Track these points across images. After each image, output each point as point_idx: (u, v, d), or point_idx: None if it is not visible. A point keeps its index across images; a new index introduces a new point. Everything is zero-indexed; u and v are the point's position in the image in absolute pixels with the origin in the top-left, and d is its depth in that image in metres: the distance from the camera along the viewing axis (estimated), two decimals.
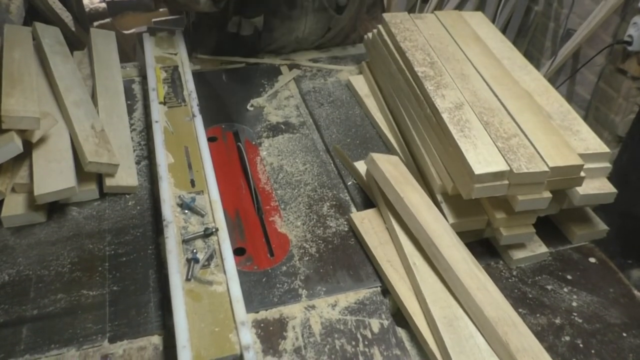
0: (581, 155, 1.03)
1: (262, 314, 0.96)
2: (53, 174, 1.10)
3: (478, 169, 0.97)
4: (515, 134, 1.06)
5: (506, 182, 0.99)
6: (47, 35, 1.45)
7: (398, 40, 1.34)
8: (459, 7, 2.99)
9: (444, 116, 1.10)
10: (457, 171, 1.05)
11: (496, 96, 1.16)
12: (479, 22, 1.46)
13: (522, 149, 1.02)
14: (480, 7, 2.90)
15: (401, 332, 0.95)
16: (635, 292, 1.04)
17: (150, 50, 1.52)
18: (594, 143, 1.09)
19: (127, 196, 1.18)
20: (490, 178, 0.98)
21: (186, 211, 1.05)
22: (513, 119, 1.10)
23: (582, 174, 1.02)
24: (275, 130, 1.40)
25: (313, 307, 0.98)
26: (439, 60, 1.27)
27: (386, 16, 1.44)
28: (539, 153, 1.02)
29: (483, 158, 1.00)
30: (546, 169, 0.98)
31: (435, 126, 1.14)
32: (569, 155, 1.02)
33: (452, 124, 1.08)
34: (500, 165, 0.99)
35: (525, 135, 1.06)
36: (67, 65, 1.37)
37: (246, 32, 1.61)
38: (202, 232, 1.00)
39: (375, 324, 0.95)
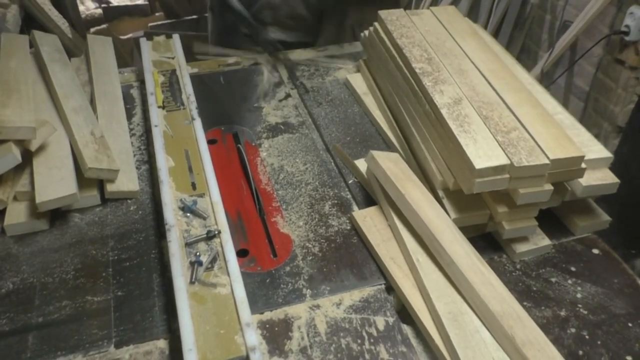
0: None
1: (267, 315, 0.96)
2: (54, 181, 1.10)
3: (478, 164, 0.97)
4: (515, 127, 1.06)
5: (507, 175, 0.99)
6: (46, 43, 1.45)
7: (395, 37, 1.33)
8: (455, 2, 2.99)
9: (443, 112, 1.10)
10: (457, 166, 1.05)
11: (494, 90, 1.16)
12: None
13: (522, 142, 1.02)
14: (476, 0, 2.90)
15: (406, 329, 0.95)
16: None
17: (148, 54, 1.52)
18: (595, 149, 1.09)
19: (129, 201, 1.18)
20: (491, 172, 0.98)
21: (188, 214, 1.05)
22: (512, 113, 1.10)
23: (583, 165, 1.02)
24: (274, 130, 1.40)
25: (318, 306, 0.98)
26: (436, 56, 1.27)
27: (382, 13, 1.44)
28: (539, 146, 1.01)
29: (483, 152, 1.00)
30: (547, 161, 0.98)
31: (434, 122, 1.14)
32: (569, 147, 1.02)
33: (451, 119, 1.08)
34: (500, 159, 0.99)
35: (525, 129, 1.06)
36: (66, 73, 1.37)
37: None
38: (205, 235, 1.00)
39: (380, 321, 0.95)
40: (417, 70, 1.22)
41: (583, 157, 1.01)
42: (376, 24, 1.47)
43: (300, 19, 1.88)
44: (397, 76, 1.32)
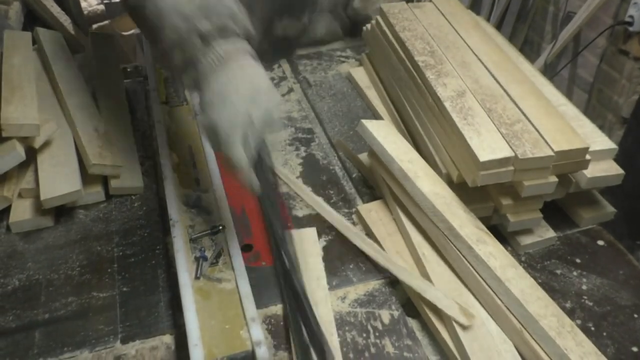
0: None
1: (272, 309, 0.96)
2: (58, 178, 1.11)
3: (483, 156, 0.97)
4: (519, 119, 1.06)
5: (512, 168, 0.98)
6: (49, 39, 1.45)
7: (397, 31, 1.33)
8: None
9: (447, 104, 1.09)
10: (461, 159, 1.05)
11: (498, 82, 1.16)
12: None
13: (527, 134, 1.02)
14: None
15: (412, 322, 0.95)
16: None
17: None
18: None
19: (133, 197, 1.19)
20: (496, 165, 0.98)
21: (192, 210, 1.05)
22: (516, 105, 1.09)
23: (588, 156, 1.01)
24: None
25: None
26: (439, 48, 1.27)
27: (384, 6, 1.43)
28: (543, 138, 1.01)
29: (487, 145, 1.00)
30: (551, 153, 0.98)
31: (437, 115, 1.13)
32: (573, 139, 1.01)
33: (454, 112, 1.07)
34: (505, 152, 0.98)
35: (529, 121, 1.05)
36: (70, 70, 1.38)
37: (292, 32, 1.57)
38: (209, 230, 1.00)
39: (385, 315, 0.95)
40: (420, 64, 1.21)
41: (587, 148, 1.00)
42: (378, 17, 1.46)
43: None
44: (400, 69, 1.31)
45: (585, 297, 0.99)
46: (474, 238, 0.94)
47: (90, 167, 1.12)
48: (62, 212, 1.14)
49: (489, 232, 0.97)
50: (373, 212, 1.12)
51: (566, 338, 0.82)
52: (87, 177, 1.15)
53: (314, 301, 0.90)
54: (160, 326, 0.94)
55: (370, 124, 1.14)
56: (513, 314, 0.87)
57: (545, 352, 0.83)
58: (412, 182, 1.02)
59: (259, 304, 0.95)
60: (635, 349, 0.90)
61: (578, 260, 1.06)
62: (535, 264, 1.05)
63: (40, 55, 1.41)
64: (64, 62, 1.39)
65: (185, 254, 0.96)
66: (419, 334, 0.93)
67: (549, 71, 2.52)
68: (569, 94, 2.49)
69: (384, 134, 1.12)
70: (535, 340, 0.84)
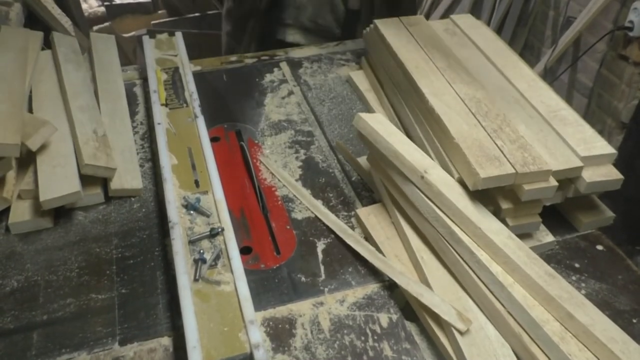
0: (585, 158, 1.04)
1: (271, 312, 0.96)
2: (58, 179, 1.11)
3: (483, 173, 0.97)
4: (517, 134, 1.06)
5: (513, 171, 0.99)
6: (63, 44, 1.48)
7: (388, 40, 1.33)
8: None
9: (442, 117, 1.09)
10: (462, 162, 1.05)
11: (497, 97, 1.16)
12: (471, 25, 1.46)
13: (527, 147, 1.02)
14: None
15: (410, 326, 0.95)
16: None
17: (151, 52, 1.52)
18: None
19: (132, 199, 1.19)
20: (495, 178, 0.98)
21: (191, 212, 1.05)
22: (509, 124, 1.10)
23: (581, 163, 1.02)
24: (277, 128, 1.40)
25: (321, 303, 0.98)
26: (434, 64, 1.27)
27: (378, 22, 1.45)
28: (541, 154, 1.01)
29: (486, 159, 1.00)
30: (550, 167, 0.98)
31: (437, 119, 1.13)
32: (570, 159, 1.01)
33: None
34: (505, 167, 0.98)
35: (525, 138, 1.06)
36: (79, 73, 1.39)
37: (354, 6, 1.57)
38: (208, 233, 1.00)
39: (384, 318, 0.95)
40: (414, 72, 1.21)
41: (582, 167, 1.01)
42: (375, 21, 1.47)
43: (323, 23, 1.84)
44: (399, 74, 1.31)
45: None
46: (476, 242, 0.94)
47: (83, 167, 1.12)
48: (61, 213, 1.14)
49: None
50: (372, 215, 1.12)
51: (569, 343, 0.82)
52: (86, 179, 1.15)
53: None
54: (159, 328, 0.94)
55: (369, 117, 1.13)
56: (515, 319, 0.87)
57: (548, 357, 0.83)
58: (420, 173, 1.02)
59: (258, 307, 0.95)
60: None
61: (577, 265, 1.06)
62: None
63: (54, 58, 1.42)
64: (74, 66, 1.41)
65: (184, 256, 0.96)
66: (417, 338, 0.93)
67: (549, 75, 2.53)
68: (568, 99, 2.49)
69: (385, 128, 1.12)
70: (537, 345, 0.84)
